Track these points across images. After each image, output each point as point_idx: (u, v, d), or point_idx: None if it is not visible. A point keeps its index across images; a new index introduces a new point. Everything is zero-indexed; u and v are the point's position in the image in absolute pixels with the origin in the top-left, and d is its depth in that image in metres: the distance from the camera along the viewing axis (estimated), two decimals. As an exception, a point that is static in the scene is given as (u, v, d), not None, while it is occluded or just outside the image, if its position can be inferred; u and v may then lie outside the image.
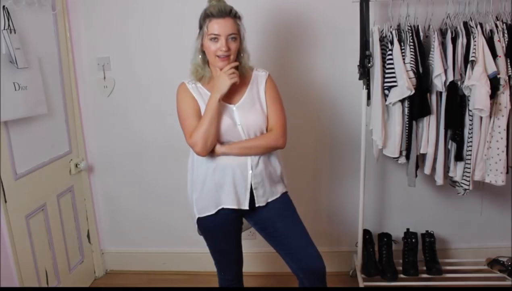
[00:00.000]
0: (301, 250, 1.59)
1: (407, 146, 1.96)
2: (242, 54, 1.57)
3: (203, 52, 1.54)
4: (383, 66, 1.91)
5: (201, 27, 1.51)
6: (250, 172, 1.55)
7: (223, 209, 1.58)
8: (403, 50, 1.87)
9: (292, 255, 1.61)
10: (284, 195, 1.68)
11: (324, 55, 2.24)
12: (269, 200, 1.62)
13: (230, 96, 1.54)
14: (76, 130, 2.39)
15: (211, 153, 1.52)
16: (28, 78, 1.89)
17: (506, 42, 1.82)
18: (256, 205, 1.59)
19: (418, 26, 1.91)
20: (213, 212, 1.58)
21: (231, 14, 1.47)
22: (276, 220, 1.63)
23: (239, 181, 1.55)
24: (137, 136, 2.44)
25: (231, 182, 1.54)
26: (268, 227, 1.64)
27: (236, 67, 1.52)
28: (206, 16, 1.47)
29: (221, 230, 1.64)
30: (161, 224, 2.56)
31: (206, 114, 1.48)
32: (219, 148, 1.51)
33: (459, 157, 1.93)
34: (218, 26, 1.45)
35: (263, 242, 1.72)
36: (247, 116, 1.54)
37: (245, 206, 1.57)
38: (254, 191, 1.57)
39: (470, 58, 1.79)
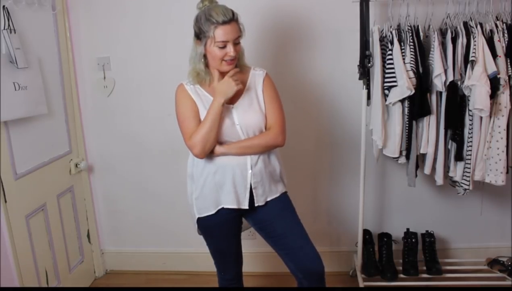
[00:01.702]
0: (300, 251, 1.59)
1: (407, 146, 1.96)
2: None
3: (205, 56, 1.53)
4: (383, 66, 1.91)
5: (200, 32, 1.49)
6: (250, 171, 1.55)
7: (223, 208, 1.58)
8: (403, 50, 1.87)
9: (291, 255, 1.61)
10: (284, 195, 1.68)
11: (324, 55, 2.24)
12: (268, 199, 1.62)
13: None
14: (76, 130, 2.39)
15: (210, 153, 1.52)
16: (28, 78, 1.89)
17: (506, 42, 1.82)
18: (256, 205, 1.59)
19: (418, 26, 1.91)
20: (213, 211, 1.58)
21: (234, 18, 1.46)
22: (275, 220, 1.63)
23: (239, 180, 1.55)
24: (137, 136, 2.44)
25: (231, 181, 1.54)
26: (267, 226, 1.64)
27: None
28: (211, 23, 1.44)
29: (221, 229, 1.64)
30: (161, 224, 2.56)
31: (208, 117, 1.48)
32: (218, 148, 1.51)
33: (459, 157, 1.93)
34: (225, 32, 1.44)
35: (263, 242, 1.72)
36: (246, 115, 1.54)
37: (245, 206, 1.57)
38: (253, 191, 1.57)
39: (470, 58, 1.79)
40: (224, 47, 1.46)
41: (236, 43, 1.49)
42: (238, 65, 1.57)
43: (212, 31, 1.44)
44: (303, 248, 1.59)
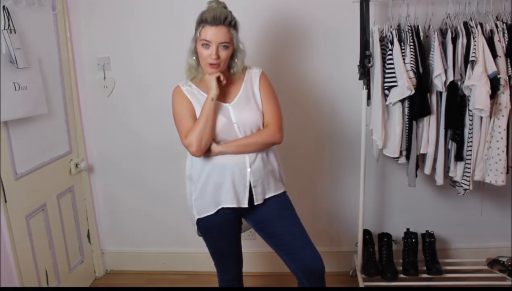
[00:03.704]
0: (300, 250, 1.59)
1: (407, 146, 1.96)
2: (235, 60, 1.57)
3: (197, 54, 1.54)
4: (383, 66, 1.91)
5: (195, 29, 1.51)
6: (249, 169, 1.55)
7: (222, 208, 1.58)
8: (403, 50, 1.87)
9: (291, 255, 1.61)
10: (283, 195, 1.68)
11: (324, 55, 2.24)
12: (267, 197, 1.62)
13: (225, 95, 1.55)
14: (76, 130, 2.39)
15: (207, 153, 1.52)
16: (28, 78, 1.89)
17: (506, 42, 1.82)
18: (255, 203, 1.59)
19: (418, 26, 1.91)
20: (212, 212, 1.58)
21: (225, 22, 1.46)
22: (275, 220, 1.63)
23: (238, 179, 1.55)
24: (137, 136, 2.44)
25: (230, 181, 1.54)
26: (267, 227, 1.64)
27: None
28: (201, 21, 1.47)
29: (221, 230, 1.64)
30: (161, 224, 2.56)
31: (201, 115, 1.50)
32: (215, 147, 1.52)
33: (459, 157, 1.93)
34: (210, 33, 1.45)
35: (262, 242, 1.72)
36: (243, 113, 1.55)
37: (245, 204, 1.57)
38: (253, 189, 1.57)
39: (470, 58, 1.79)
40: (207, 48, 1.47)
41: (225, 47, 1.48)
42: (233, 71, 1.57)
43: (199, 30, 1.47)
44: (304, 247, 1.59)
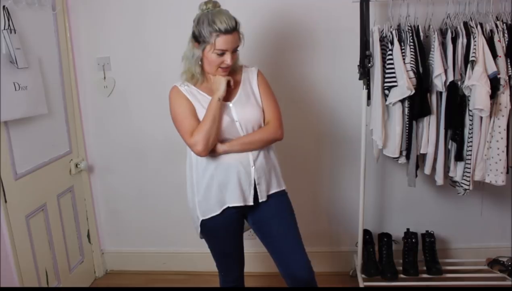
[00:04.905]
0: (290, 256, 1.59)
1: (407, 146, 1.96)
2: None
3: (201, 60, 1.54)
4: (383, 66, 1.91)
5: (200, 36, 1.47)
6: (253, 167, 1.55)
7: (228, 208, 1.57)
8: (403, 50, 1.87)
9: (281, 260, 1.62)
10: (285, 196, 1.68)
11: (325, 55, 2.24)
12: (270, 193, 1.62)
13: (225, 94, 1.55)
14: (76, 130, 2.39)
15: (211, 153, 1.52)
16: (28, 78, 1.89)
17: (506, 42, 1.82)
18: (260, 200, 1.59)
19: (418, 26, 1.91)
20: (218, 212, 1.57)
21: (237, 28, 1.47)
22: (274, 220, 1.63)
23: (244, 177, 1.55)
24: (137, 136, 2.44)
25: (236, 179, 1.54)
26: (264, 226, 1.64)
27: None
28: (214, 30, 1.44)
29: (225, 230, 1.63)
30: (161, 224, 2.56)
31: (207, 114, 1.49)
32: (220, 147, 1.51)
33: (459, 157, 1.93)
34: (226, 42, 1.45)
35: (263, 242, 1.72)
36: (244, 111, 1.55)
37: (250, 202, 1.57)
38: (257, 186, 1.57)
39: (470, 58, 1.79)
40: (222, 54, 1.48)
41: (235, 50, 1.51)
42: (233, 67, 1.58)
43: (213, 39, 1.45)
44: (294, 253, 1.59)
